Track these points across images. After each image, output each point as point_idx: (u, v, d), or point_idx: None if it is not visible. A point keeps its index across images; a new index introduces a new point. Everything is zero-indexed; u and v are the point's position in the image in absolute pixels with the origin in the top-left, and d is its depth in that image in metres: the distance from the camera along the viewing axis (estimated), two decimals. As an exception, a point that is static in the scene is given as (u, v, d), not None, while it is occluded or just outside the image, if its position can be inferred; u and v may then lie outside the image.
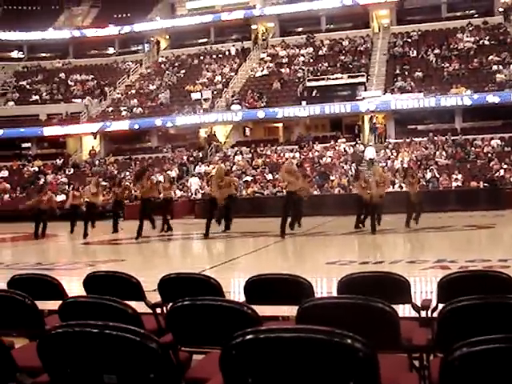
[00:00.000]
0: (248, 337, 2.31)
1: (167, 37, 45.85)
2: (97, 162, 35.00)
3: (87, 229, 18.28)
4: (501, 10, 38.43)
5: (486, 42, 35.36)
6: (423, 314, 4.23)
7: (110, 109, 37.88)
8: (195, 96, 36.19)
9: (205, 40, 44.61)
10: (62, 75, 43.36)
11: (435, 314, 3.64)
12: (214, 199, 16.46)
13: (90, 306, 3.69)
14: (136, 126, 35.29)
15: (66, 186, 31.98)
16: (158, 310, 4.58)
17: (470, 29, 37.16)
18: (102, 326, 2.48)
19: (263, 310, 4.19)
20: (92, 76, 42.84)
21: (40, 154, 38.39)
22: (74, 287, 7.36)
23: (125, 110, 36.88)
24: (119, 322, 2.55)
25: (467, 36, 36.43)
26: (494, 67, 32.45)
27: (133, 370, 2.45)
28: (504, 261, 9.52)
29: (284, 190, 18.07)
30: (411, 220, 16.51)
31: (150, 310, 4.59)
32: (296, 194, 15.68)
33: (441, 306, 3.56)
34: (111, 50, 47.07)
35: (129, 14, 47.44)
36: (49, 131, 37.24)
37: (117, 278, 4.91)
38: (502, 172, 25.76)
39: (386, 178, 17.38)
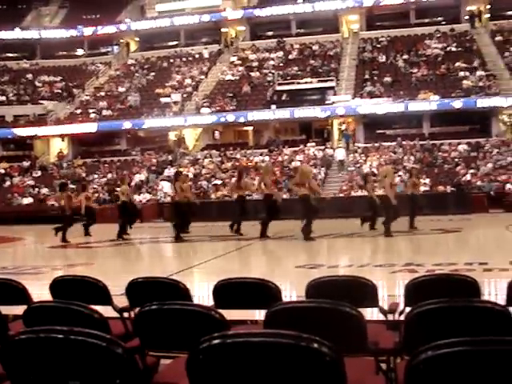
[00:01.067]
0: (215, 341, 2.30)
1: (137, 39, 45.59)
2: (65, 165, 34.62)
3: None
4: (467, 17, 39.03)
5: (453, 49, 35.90)
6: (390, 317, 4.25)
7: (79, 111, 37.51)
8: (165, 99, 36.05)
9: (175, 43, 44.48)
10: (30, 76, 42.85)
11: (402, 317, 3.67)
12: (178, 203, 16.50)
13: (55, 310, 3.64)
14: (104, 129, 34.94)
15: (31, 189, 31.61)
16: (126, 315, 4.54)
17: (438, 35, 37.70)
18: (67, 332, 2.45)
19: (232, 314, 4.18)
20: (60, 77, 42.38)
21: (6, 156, 37.82)
22: (40, 292, 7.27)
23: (93, 112, 36.56)
24: (85, 327, 2.52)
25: (435, 42, 36.94)
26: (461, 73, 32.94)
27: (98, 375, 2.42)
28: (469, 264, 9.64)
29: (255, 194, 18.10)
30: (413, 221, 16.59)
31: (117, 315, 4.55)
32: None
33: (408, 309, 3.59)
34: (80, 52, 46.65)
35: (98, 16, 47.10)
36: (18, 132, 36.71)
37: (84, 283, 4.87)
38: (468, 177, 26.15)
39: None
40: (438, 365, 2.10)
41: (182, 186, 16.51)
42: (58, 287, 4.91)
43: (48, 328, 2.51)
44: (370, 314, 4.78)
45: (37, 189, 31.61)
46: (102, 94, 39.05)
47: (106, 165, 33.71)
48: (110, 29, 44.67)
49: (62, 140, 36.69)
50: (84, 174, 32.90)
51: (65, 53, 46.25)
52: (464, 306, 3.30)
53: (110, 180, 31.22)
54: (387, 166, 23.17)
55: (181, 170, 24.63)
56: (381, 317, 4.39)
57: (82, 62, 44.72)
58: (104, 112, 36.41)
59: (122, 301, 4.79)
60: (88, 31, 44.92)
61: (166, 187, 29.21)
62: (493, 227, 18.61)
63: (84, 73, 43.09)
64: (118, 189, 20.34)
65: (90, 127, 35.19)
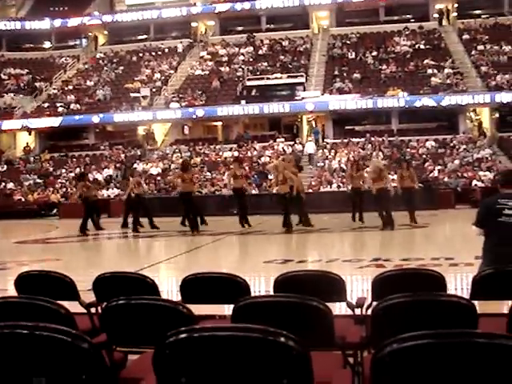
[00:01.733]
0: (182, 336, 2.29)
1: (105, 32, 45.09)
2: (31, 159, 34.15)
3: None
4: (436, 15, 39.44)
5: (422, 46, 36.23)
6: (358, 311, 4.29)
7: (46, 104, 37.01)
8: (134, 93, 35.77)
9: (144, 37, 44.12)
10: (-5, 68, 42.14)
11: (369, 312, 3.70)
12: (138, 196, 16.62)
13: (20, 306, 3.59)
14: (69, 123, 34.47)
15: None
16: (93, 310, 4.51)
17: (407, 33, 38.00)
18: (31, 327, 2.41)
19: (199, 309, 4.17)
20: (27, 70, 41.70)
21: (-30, 150, 37.17)
22: (5, 288, 7.18)
23: (61, 106, 36.10)
24: (51, 322, 2.50)
25: (404, 40, 37.24)
26: (429, 71, 33.27)
27: (64, 371, 2.39)
28: (436, 259, 9.78)
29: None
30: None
31: (84, 310, 4.51)
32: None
33: (375, 303, 3.62)
34: (47, 44, 45.95)
35: (66, 8, 46.44)
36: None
37: (50, 278, 4.81)
38: (436, 173, 26.46)
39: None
40: (403, 357, 2.13)
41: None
42: (23, 283, 4.85)
43: (12, 323, 2.48)
44: (338, 308, 4.81)
45: (3, 183, 31.14)
46: (70, 87, 38.56)
47: (74, 159, 33.32)
48: (78, 21, 44.07)
49: (29, 134, 36.16)
50: (51, 169, 32.51)
51: (31, 45, 45.50)
52: (430, 300, 3.34)
53: (78, 174, 30.88)
54: (376, 160, 22.76)
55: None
56: (348, 311, 4.42)
57: (50, 54, 44.00)
58: (72, 106, 35.96)
59: (89, 296, 4.76)
60: (55, 23, 44.21)
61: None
62: (459, 223, 18.84)
63: (51, 66, 42.44)
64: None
65: (54, 121, 34.66)
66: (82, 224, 17.21)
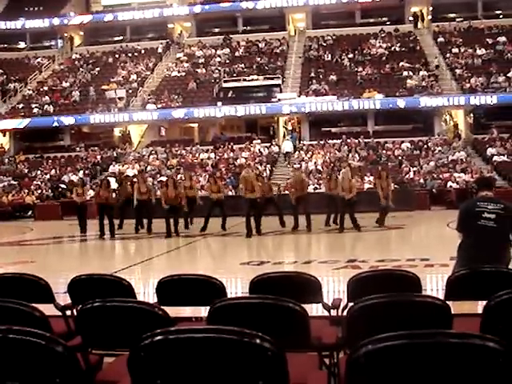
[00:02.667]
0: (157, 338, 2.29)
1: (81, 33, 44.76)
2: (6, 161, 33.76)
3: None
4: (411, 18, 39.77)
5: (397, 49, 36.49)
6: (333, 312, 4.30)
7: (21, 105, 36.62)
8: (110, 94, 35.54)
9: (120, 38, 43.87)
10: (-31, 69, 41.57)
11: (345, 313, 3.72)
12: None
13: (-6, 309, 3.55)
14: (36, 125, 34.17)
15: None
16: (68, 313, 4.47)
17: (383, 35, 38.26)
18: (5, 331, 2.39)
19: (176, 311, 4.17)
20: (1, 71, 41.22)
21: None
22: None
23: (36, 107, 35.75)
24: (26, 325, 2.47)
25: (379, 42, 37.48)
26: (405, 73, 33.53)
27: (38, 375, 2.37)
28: (412, 260, 9.87)
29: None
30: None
31: (59, 313, 4.47)
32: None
33: (350, 304, 3.64)
34: (22, 45, 45.47)
35: (41, 8, 46.00)
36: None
37: (24, 280, 4.77)
38: (411, 174, 26.65)
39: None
40: (379, 358, 2.14)
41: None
42: (-3, 285, 4.79)
43: (-15, 327, 2.45)
44: (314, 309, 4.83)
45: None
46: (46, 88, 38.19)
47: (50, 161, 33.00)
48: (53, 22, 43.67)
49: (4, 135, 35.79)
50: (26, 170, 32.18)
51: (6, 45, 44.97)
52: (405, 301, 3.37)
53: (54, 176, 30.62)
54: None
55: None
56: (324, 312, 4.44)
57: (25, 55, 43.56)
58: (47, 107, 35.61)
59: (64, 299, 4.72)
60: (30, 24, 43.80)
61: (112, 183, 28.88)
62: (434, 224, 19.03)
63: (26, 67, 42.03)
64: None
65: (20, 123, 34.36)
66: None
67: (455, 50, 35.04)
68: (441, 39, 36.62)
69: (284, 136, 32.77)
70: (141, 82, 37.07)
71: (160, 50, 40.81)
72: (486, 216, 5.37)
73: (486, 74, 32.16)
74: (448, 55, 34.76)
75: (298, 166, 26.35)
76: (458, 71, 32.97)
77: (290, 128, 33.64)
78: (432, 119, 31.97)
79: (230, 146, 31.57)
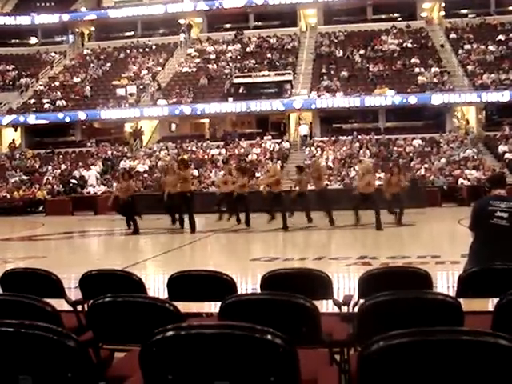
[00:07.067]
0: (169, 333, 2.29)
1: (92, 28, 44.88)
2: (17, 156, 33.92)
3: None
4: (423, 14, 39.59)
5: (409, 45, 36.35)
6: (344, 309, 4.30)
7: (32, 101, 36.79)
8: (120, 90, 35.63)
9: (131, 33, 43.95)
10: (-19, 64, 41.78)
11: (356, 310, 3.71)
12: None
13: (6, 304, 3.57)
14: (59, 119, 34.35)
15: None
16: (79, 308, 4.49)
17: (394, 31, 38.11)
18: (17, 325, 2.40)
19: (186, 307, 4.17)
20: (13, 66, 41.42)
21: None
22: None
23: (48, 102, 35.89)
24: (37, 320, 2.48)
25: (391, 38, 37.34)
26: (416, 69, 33.41)
27: (50, 369, 2.38)
28: (423, 257, 9.83)
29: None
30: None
31: (70, 308, 4.49)
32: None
33: (361, 301, 3.63)
34: (34, 40, 45.63)
35: (52, 3, 46.15)
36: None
37: (36, 275, 4.79)
38: (422, 171, 26.56)
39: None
40: (390, 355, 2.14)
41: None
42: (8, 280, 4.82)
43: (-2, 321, 2.46)
44: (325, 306, 4.82)
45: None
46: (57, 83, 38.33)
47: (61, 156, 33.12)
48: (64, 17, 43.80)
49: (15, 130, 35.95)
50: (37, 166, 32.33)
51: (17, 41, 45.16)
52: (416, 298, 3.36)
53: (65, 171, 30.74)
54: (366, 161, 22.32)
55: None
56: (335, 309, 4.44)
57: (36, 50, 43.75)
58: (58, 102, 35.74)
59: (75, 294, 4.74)
60: (41, 19, 43.92)
61: (92, 178, 29.08)
62: (445, 221, 18.95)
63: (38, 62, 42.19)
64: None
65: (31, 118, 34.50)
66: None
67: (467, 47, 34.85)
68: (453, 35, 36.44)
69: (298, 123, 32.59)
70: (152, 78, 37.11)
71: (171, 46, 40.84)
72: (499, 215, 5.34)
73: (499, 71, 31.98)
74: (460, 51, 34.58)
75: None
76: (469, 68, 32.81)
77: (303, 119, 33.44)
78: (444, 116, 31.85)
79: (240, 142, 31.57)
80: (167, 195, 16.69)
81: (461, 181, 25.17)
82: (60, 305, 4.13)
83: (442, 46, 33.93)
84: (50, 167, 31.62)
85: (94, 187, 28.39)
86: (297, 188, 17.57)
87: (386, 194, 16.17)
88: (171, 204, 16.81)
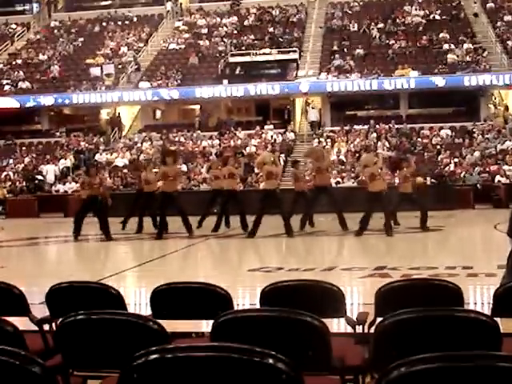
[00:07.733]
0: (152, 356, 2.30)
1: (62, -4, 44.90)
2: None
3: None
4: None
5: (437, 17, 36.30)
6: (359, 329, 4.31)
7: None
8: (95, 70, 35.58)
9: (108, 2, 43.92)
10: None
11: (372, 330, 3.72)
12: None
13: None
14: (22, 104, 34.33)
15: None
16: (46, 327, 4.49)
17: (420, 1, 38.05)
18: (-28, 348, 2.41)
19: (173, 326, 4.18)
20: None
21: None
22: None
23: (8, 83, 35.84)
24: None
25: (416, 9, 37.29)
26: (445, 46, 33.36)
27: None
28: (452, 268, 9.84)
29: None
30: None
31: (36, 328, 4.50)
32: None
33: (379, 319, 3.64)
34: (-11, 9, 45.59)
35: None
36: None
37: (-6, 289, 4.80)
38: (451, 167, 26.54)
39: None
40: (413, 383, 2.14)
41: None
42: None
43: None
44: (336, 325, 4.83)
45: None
46: (19, 61, 38.28)
47: (24, 148, 33.10)
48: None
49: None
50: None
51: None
52: (443, 316, 3.36)
53: (29, 166, 30.73)
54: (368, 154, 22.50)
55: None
56: (348, 329, 4.45)
57: (-7, 22, 43.76)
58: (21, 84, 35.67)
59: (42, 311, 4.75)
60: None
61: (50, 174, 29.11)
62: (479, 225, 18.99)
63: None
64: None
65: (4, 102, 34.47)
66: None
67: (507, 18, 34.78)
68: (490, 5, 36.35)
69: (306, 110, 32.62)
70: (132, 56, 37.07)
71: (155, 18, 40.81)
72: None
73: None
74: (499, 24, 34.48)
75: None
76: (510, 43, 32.74)
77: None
78: (477, 101, 31.85)
79: (237, 133, 31.57)
80: (148, 195, 16.76)
81: (498, 178, 25.19)
82: (23, 324, 4.14)
83: (475, 15, 33.83)
84: (10, 161, 31.60)
85: (54, 185, 28.43)
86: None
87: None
88: (147, 205, 16.95)
